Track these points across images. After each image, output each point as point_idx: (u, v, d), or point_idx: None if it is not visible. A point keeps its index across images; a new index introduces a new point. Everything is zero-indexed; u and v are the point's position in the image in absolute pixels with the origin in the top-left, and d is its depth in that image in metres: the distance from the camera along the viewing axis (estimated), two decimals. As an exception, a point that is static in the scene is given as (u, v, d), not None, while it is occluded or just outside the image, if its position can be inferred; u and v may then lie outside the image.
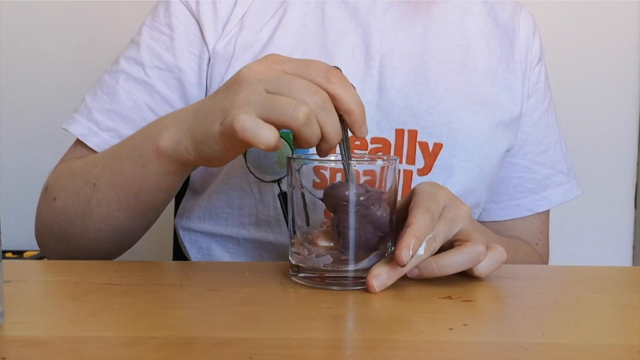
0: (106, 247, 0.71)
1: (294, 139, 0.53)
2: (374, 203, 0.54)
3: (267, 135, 0.50)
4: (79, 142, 0.77)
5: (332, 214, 0.55)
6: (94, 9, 1.54)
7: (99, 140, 0.75)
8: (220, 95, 0.56)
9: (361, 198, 0.54)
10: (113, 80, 0.77)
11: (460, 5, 0.83)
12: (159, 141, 0.60)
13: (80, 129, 0.75)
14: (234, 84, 0.54)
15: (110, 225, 0.68)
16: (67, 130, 0.76)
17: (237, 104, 0.52)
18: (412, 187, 0.75)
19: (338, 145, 0.55)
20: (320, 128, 0.52)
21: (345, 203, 0.54)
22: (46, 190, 0.73)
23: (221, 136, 0.53)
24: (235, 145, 0.53)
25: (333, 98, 0.52)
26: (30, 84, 1.54)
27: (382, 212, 0.54)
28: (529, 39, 0.84)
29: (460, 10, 0.83)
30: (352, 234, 0.54)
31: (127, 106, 0.75)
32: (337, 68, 0.55)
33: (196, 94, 0.77)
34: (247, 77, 0.53)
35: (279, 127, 0.51)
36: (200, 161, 0.58)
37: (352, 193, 0.54)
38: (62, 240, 0.71)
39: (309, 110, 0.50)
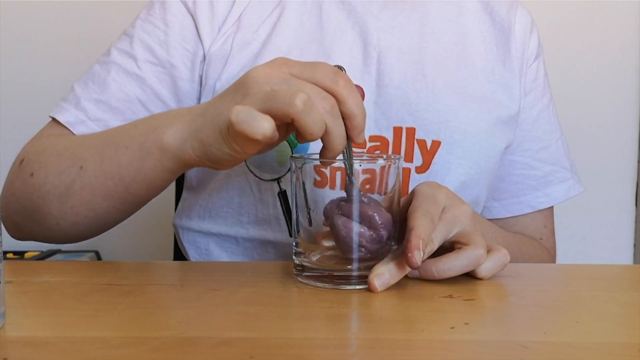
0: (80, 231, 0.68)
1: (296, 134, 0.52)
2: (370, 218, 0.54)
3: (261, 125, 0.48)
4: (55, 121, 0.75)
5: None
6: (94, 9, 1.54)
7: (86, 130, 0.74)
8: (228, 96, 0.55)
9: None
10: (104, 71, 0.76)
11: (456, 3, 0.83)
12: (164, 137, 0.59)
13: (68, 117, 0.75)
14: (242, 86, 0.54)
15: (91, 210, 0.66)
16: (54, 119, 0.75)
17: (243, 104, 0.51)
18: (410, 184, 0.75)
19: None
20: (328, 134, 0.51)
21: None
22: (21, 162, 0.71)
23: (226, 136, 0.53)
24: (242, 144, 0.52)
25: (338, 101, 0.52)
26: (31, 84, 1.54)
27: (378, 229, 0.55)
28: (526, 36, 0.84)
29: (457, 9, 0.83)
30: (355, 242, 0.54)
31: (118, 98, 0.75)
32: (342, 68, 0.55)
33: (188, 90, 0.77)
34: (254, 79, 0.53)
35: (279, 118, 0.50)
36: (207, 163, 0.57)
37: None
38: (31, 218, 0.68)
39: (306, 97, 0.49)
